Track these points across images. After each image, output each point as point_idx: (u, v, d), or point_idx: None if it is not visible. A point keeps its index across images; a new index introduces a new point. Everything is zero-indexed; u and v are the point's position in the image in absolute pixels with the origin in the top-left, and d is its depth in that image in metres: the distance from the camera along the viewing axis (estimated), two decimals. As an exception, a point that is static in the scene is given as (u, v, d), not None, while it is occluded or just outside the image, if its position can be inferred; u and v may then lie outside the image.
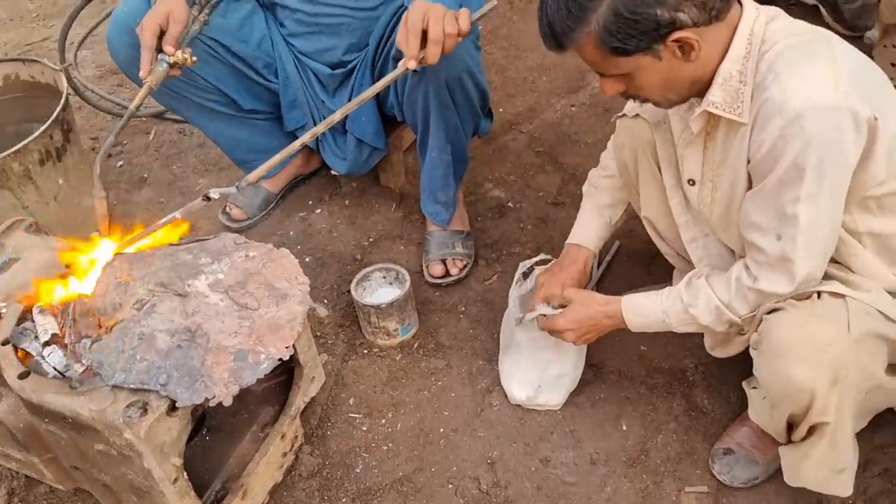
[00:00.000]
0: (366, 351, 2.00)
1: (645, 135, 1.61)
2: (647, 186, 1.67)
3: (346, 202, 2.42)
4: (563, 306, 1.66)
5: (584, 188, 1.89)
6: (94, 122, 2.84)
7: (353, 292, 1.93)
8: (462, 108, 1.92)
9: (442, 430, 1.81)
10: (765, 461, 1.65)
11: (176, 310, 1.40)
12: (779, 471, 1.59)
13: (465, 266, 2.14)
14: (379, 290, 2.04)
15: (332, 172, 2.30)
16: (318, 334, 2.04)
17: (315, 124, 2.16)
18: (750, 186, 1.37)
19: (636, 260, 2.16)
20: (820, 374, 1.29)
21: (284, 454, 1.72)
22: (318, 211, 2.40)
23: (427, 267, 2.14)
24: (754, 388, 1.57)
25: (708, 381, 1.85)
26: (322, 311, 1.56)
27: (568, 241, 1.86)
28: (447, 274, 2.13)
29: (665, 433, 1.76)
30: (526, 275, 1.87)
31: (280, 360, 1.37)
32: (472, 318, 2.05)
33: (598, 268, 2.13)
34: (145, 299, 1.40)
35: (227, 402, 1.31)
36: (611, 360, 1.91)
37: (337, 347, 2.01)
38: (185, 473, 1.41)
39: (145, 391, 1.31)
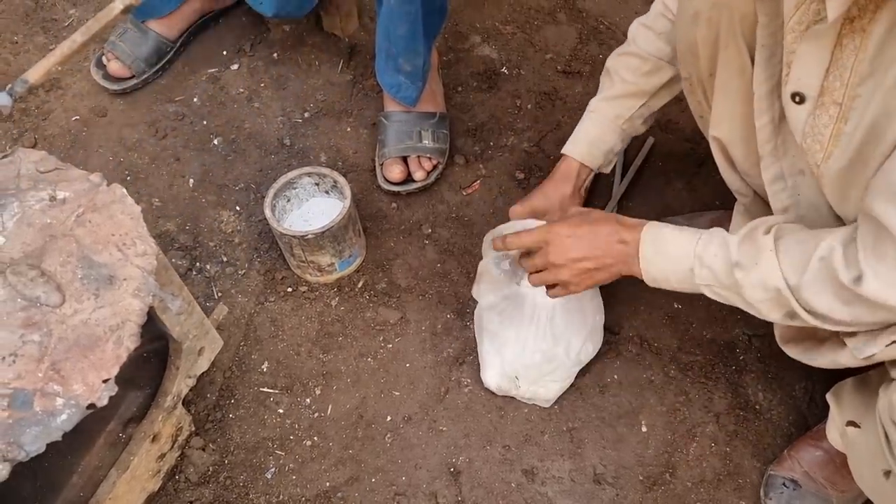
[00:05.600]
0: (290, 289, 1.42)
1: (740, 3, 0.93)
2: (726, 89, 1.01)
3: (275, 55, 1.72)
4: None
5: (603, 72, 1.27)
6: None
7: (267, 212, 1.32)
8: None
9: (390, 418, 1.29)
10: (842, 500, 1.16)
11: None
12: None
13: (434, 167, 1.51)
14: (309, 200, 1.43)
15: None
16: (225, 259, 1.45)
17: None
18: None
19: (676, 167, 1.54)
20: None
21: (161, 456, 1.21)
22: (235, 67, 1.70)
23: (382, 167, 1.51)
24: (853, 424, 1.02)
25: (765, 363, 1.32)
26: (176, 305, 0.96)
27: (563, 149, 1.29)
28: (409, 178, 1.50)
29: (700, 440, 1.26)
30: None
31: (91, 406, 0.80)
32: (442, 246, 1.46)
33: (622, 180, 1.51)
34: None
35: (-12, 494, 0.76)
36: (630, 322, 1.36)
37: (250, 281, 1.43)
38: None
39: None
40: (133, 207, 0.91)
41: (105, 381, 0.81)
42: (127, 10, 1.00)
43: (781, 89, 0.89)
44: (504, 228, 1.23)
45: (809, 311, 0.86)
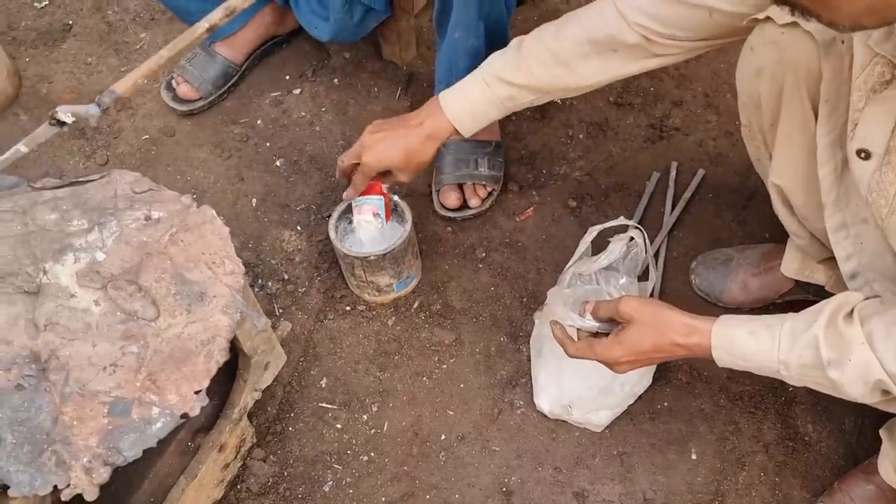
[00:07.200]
0: (348, 307, 1.47)
1: (804, 59, 0.96)
2: (788, 141, 1.04)
3: (336, 81, 1.78)
4: (611, 319, 1.07)
5: (517, 44, 1.17)
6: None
7: (331, 233, 1.37)
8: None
9: (444, 437, 1.33)
10: (893, 535, 1.17)
11: (18, 320, 0.87)
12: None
13: (489, 194, 1.56)
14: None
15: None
16: (286, 277, 1.51)
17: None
18: None
19: (726, 199, 1.57)
20: None
21: (226, 466, 1.25)
22: (298, 91, 1.77)
23: (438, 193, 1.56)
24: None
25: (815, 396, 1.33)
26: (261, 322, 1.01)
27: (441, 93, 1.21)
28: (464, 205, 1.55)
29: (750, 469, 1.28)
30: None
31: (184, 416, 0.85)
32: (496, 270, 1.50)
33: (672, 211, 1.54)
34: (-33, 301, 0.86)
35: (91, 495, 0.81)
36: (681, 351, 1.38)
37: (310, 299, 1.48)
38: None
39: (-43, 468, 0.80)
40: (222, 228, 0.97)
41: (197, 393, 0.86)
42: (211, 29, 1.05)
43: (843, 141, 0.93)
44: (567, 294, 1.20)
45: None
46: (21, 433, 0.81)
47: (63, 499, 0.80)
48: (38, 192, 0.98)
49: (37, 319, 0.86)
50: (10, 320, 0.86)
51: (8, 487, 0.80)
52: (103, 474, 0.81)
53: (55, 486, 0.80)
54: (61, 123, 0.91)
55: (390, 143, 1.22)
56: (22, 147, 0.89)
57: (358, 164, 1.26)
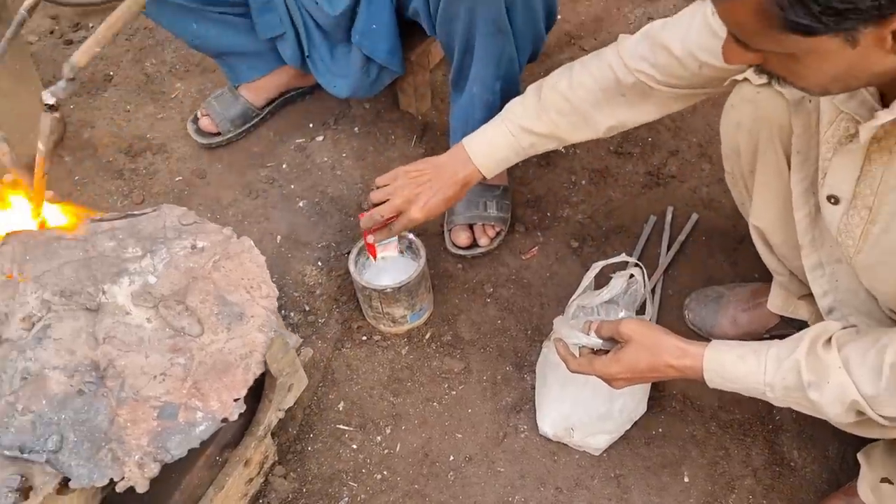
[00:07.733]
0: (364, 337, 1.58)
1: (776, 115, 1.09)
2: (765, 187, 1.17)
3: (356, 129, 1.93)
4: (612, 338, 1.16)
5: (535, 90, 1.29)
6: None
7: (351, 267, 1.49)
8: (523, 31, 1.42)
9: (452, 458, 1.42)
10: (872, 554, 1.25)
11: (81, 333, 0.98)
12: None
13: (497, 234, 1.68)
14: (385, 259, 1.60)
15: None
16: (307, 308, 1.62)
17: (297, 33, 1.66)
18: None
19: (718, 241, 1.68)
20: None
21: (250, 480, 1.35)
22: (320, 138, 1.91)
23: (450, 232, 1.68)
24: (887, 480, 1.13)
25: (800, 424, 1.43)
26: (293, 340, 1.13)
27: (464, 140, 1.32)
28: (474, 244, 1.67)
29: (739, 493, 1.36)
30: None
31: (224, 420, 0.96)
32: (502, 305, 1.61)
33: (668, 252, 1.66)
34: (37, 315, 0.98)
35: (142, 487, 0.91)
36: (674, 381, 1.48)
37: (329, 329, 1.59)
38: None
39: (25, 461, 0.91)
40: (259, 257, 1.09)
41: (235, 400, 0.97)
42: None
43: (816, 188, 1.04)
44: (573, 324, 1.26)
45: (883, 416, 0.94)
46: (81, 432, 0.92)
47: (118, 490, 0.90)
48: (98, 224, 1.10)
49: (97, 333, 0.98)
50: (74, 333, 0.97)
51: (69, 480, 0.90)
52: (154, 469, 0.91)
53: (111, 479, 0.90)
54: (51, 107, 1.04)
55: (434, 198, 1.30)
56: (40, 145, 1.03)
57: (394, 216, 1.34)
